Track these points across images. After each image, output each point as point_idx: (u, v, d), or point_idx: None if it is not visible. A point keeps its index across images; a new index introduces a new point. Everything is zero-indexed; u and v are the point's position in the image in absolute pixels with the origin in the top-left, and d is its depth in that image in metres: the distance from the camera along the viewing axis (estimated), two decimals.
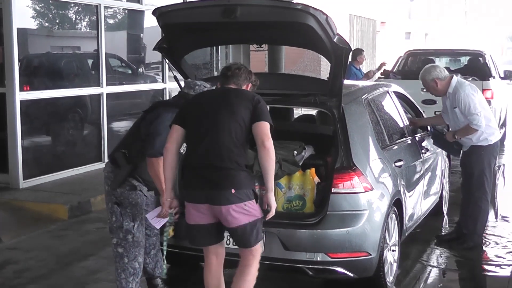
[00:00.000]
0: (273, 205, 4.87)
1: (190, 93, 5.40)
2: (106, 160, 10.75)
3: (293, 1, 5.74)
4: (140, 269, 5.49)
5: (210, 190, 4.78)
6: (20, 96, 9.44)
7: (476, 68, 14.25)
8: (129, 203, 5.38)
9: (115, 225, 5.45)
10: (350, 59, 12.44)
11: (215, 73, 14.21)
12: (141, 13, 12.69)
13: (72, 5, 11.13)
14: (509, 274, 6.72)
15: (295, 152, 5.99)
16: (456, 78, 7.34)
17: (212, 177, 4.76)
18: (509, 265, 7.04)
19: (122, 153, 5.37)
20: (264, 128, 4.77)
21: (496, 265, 7.18)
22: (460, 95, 7.13)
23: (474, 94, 7.15)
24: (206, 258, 5.06)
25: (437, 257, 7.51)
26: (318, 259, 5.57)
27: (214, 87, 5.57)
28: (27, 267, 6.91)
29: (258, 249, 4.97)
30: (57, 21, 11.34)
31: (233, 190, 4.74)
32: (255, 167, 5.17)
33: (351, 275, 5.67)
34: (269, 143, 4.75)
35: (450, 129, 7.58)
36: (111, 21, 12.27)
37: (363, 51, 12.89)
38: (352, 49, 5.96)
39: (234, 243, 5.08)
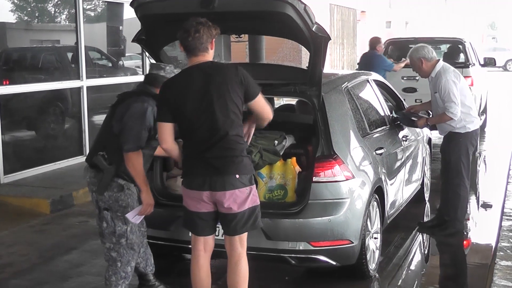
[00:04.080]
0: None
1: (160, 73, 5.28)
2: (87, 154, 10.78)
3: None
4: (131, 273, 5.42)
5: (213, 176, 4.78)
6: (0, 90, 9.37)
7: (456, 55, 14.34)
8: (119, 206, 5.23)
9: (107, 231, 5.32)
10: (370, 49, 12.39)
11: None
12: (120, 5, 12.63)
13: None
14: (490, 259, 6.77)
15: (276, 141, 5.99)
16: (441, 63, 7.34)
17: (215, 163, 4.76)
18: (490, 250, 7.09)
19: (101, 155, 5.20)
20: (262, 104, 4.97)
21: (478, 251, 7.24)
22: (441, 81, 7.14)
23: (456, 82, 7.16)
24: (194, 249, 5.05)
25: (419, 244, 7.57)
26: (301, 248, 5.59)
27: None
28: (10, 262, 6.88)
29: (245, 239, 4.99)
30: (36, 14, 11.28)
31: (237, 175, 4.76)
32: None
33: (334, 263, 5.70)
34: (271, 114, 5.08)
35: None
36: (90, 13, 12.21)
37: (381, 39, 12.78)
38: (331, 38, 5.95)
39: (224, 233, 5.04)
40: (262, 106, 4.97)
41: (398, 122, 7.60)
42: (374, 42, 12.43)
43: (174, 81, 5.01)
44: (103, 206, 5.28)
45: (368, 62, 11.92)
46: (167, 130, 4.88)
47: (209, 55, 4.90)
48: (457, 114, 7.06)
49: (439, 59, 7.43)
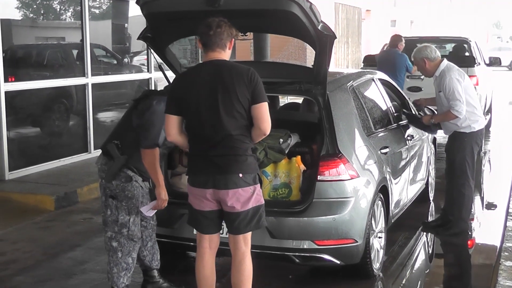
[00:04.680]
0: None
1: None
2: (92, 151, 10.82)
3: None
4: (133, 264, 5.45)
5: (217, 174, 4.77)
6: (5, 87, 9.37)
7: (461, 54, 14.32)
8: (125, 196, 5.30)
9: (110, 219, 5.37)
10: (391, 47, 12.26)
11: (200, 62, 14.18)
12: (125, 2, 12.64)
13: None
14: (494, 259, 6.76)
15: (281, 140, 5.99)
16: (445, 62, 7.35)
17: (219, 162, 4.76)
18: (494, 251, 7.08)
19: (115, 144, 5.28)
20: (263, 112, 4.75)
21: (482, 251, 7.23)
22: (445, 80, 7.15)
23: (460, 80, 7.16)
24: (199, 247, 5.05)
25: (423, 244, 7.56)
26: (305, 246, 5.59)
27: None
28: (14, 259, 6.89)
29: (249, 238, 4.99)
30: (42, 12, 11.29)
31: (240, 174, 4.75)
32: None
33: (338, 262, 5.71)
34: (267, 129, 4.78)
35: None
36: (95, 11, 12.22)
37: (402, 36, 12.49)
38: (337, 37, 5.94)
39: (228, 232, 5.03)
40: (262, 115, 4.75)
41: (405, 120, 7.60)
42: (396, 40, 12.17)
43: (185, 74, 5.07)
44: (110, 193, 5.35)
45: (390, 60, 11.67)
46: (172, 123, 4.87)
47: (226, 54, 4.90)
48: (462, 112, 7.05)
49: (443, 58, 7.43)
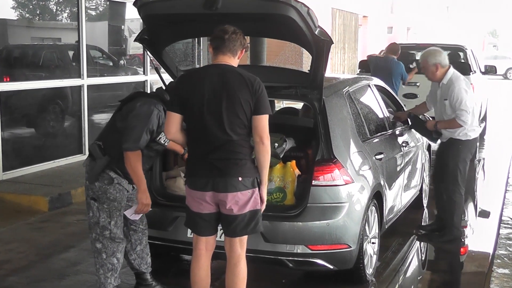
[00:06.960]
0: (265, 198, 4.96)
1: None
2: (87, 152, 10.79)
3: None
4: (118, 264, 5.46)
5: (216, 177, 4.78)
6: (0, 87, 9.37)
7: (456, 62, 14.35)
8: (106, 198, 5.29)
9: (92, 221, 5.40)
10: (390, 55, 12.26)
11: (197, 65, 14.18)
12: (122, 4, 12.64)
13: None
14: (487, 267, 6.77)
15: (276, 144, 5.99)
16: (452, 70, 7.31)
17: (219, 165, 4.77)
18: (487, 258, 7.09)
19: (97, 145, 5.29)
20: (264, 123, 4.78)
21: (475, 258, 7.24)
22: (454, 89, 7.11)
23: (468, 90, 7.15)
24: (196, 249, 5.05)
25: (416, 250, 7.56)
26: (298, 251, 5.60)
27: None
28: (7, 259, 6.87)
29: (245, 241, 4.99)
30: (38, 12, 11.29)
31: (240, 178, 4.77)
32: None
33: (331, 267, 5.71)
34: (267, 141, 4.79)
35: (434, 118, 7.61)
36: (92, 12, 12.22)
37: (400, 46, 12.57)
38: (333, 42, 5.94)
39: (224, 234, 5.03)
40: (262, 127, 4.78)
41: (404, 126, 7.64)
42: (395, 48, 12.16)
43: (191, 74, 5.12)
44: (91, 195, 5.36)
45: (386, 67, 11.70)
46: (173, 121, 4.89)
47: (235, 61, 4.93)
48: (468, 122, 7.07)
49: (450, 66, 7.36)
